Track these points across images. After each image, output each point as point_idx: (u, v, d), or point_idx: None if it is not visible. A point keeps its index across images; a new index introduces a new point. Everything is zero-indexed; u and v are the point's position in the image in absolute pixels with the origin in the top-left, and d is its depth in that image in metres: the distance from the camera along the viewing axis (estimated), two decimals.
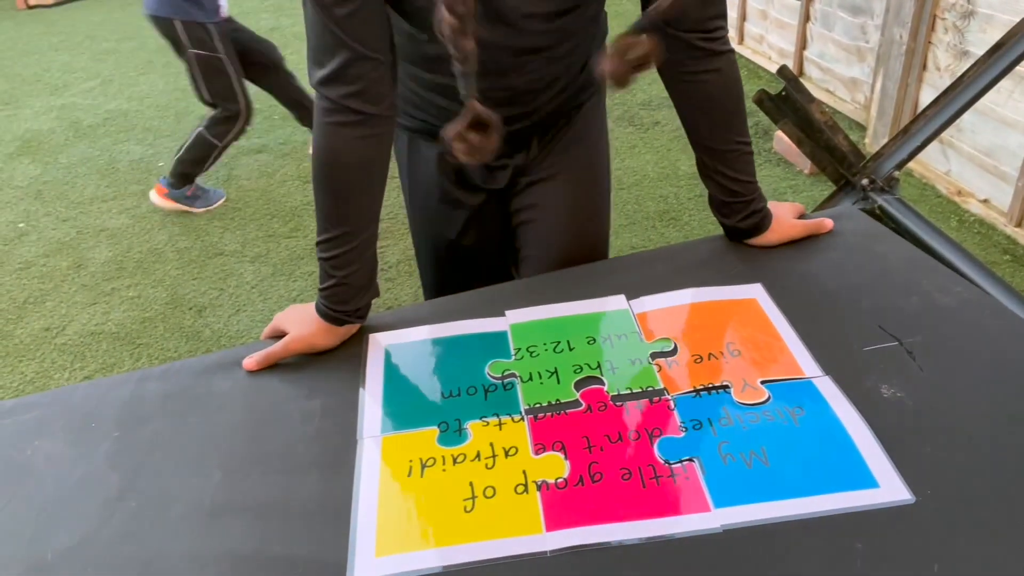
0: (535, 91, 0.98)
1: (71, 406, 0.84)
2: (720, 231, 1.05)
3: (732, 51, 0.95)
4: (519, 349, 0.86)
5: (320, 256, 0.89)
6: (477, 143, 0.76)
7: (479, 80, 0.79)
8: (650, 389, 0.78)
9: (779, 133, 3.00)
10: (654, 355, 0.83)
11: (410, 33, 0.91)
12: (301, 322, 0.91)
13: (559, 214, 1.10)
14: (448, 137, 0.77)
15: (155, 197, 2.94)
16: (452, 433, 0.76)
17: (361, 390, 0.83)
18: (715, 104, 0.96)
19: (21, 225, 2.96)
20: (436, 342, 0.90)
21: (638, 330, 0.87)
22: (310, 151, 0.90)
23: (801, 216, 1.06)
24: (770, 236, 1.01)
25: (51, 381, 2.10)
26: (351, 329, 0.92)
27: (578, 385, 0.80)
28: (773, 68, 3.68)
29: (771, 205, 1.03)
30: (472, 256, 1.17)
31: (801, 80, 3.21)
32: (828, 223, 1.03)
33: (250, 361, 0.87)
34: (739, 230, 1.02)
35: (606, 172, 1.16)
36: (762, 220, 1.00)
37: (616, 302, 0.92)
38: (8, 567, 0.66)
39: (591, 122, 1.10)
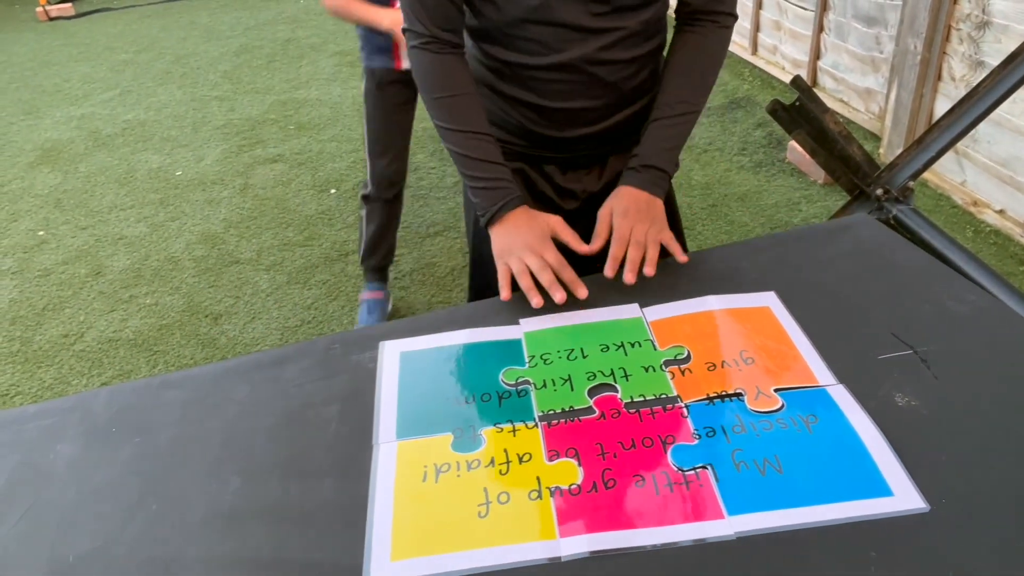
0: (610, 80, 1.03)
1: (93, 411, 0.85)
2: (732, 241, 1.05)
3: (729, 26, 1.05)
4: (533, 357, 0.87)
5: (463, 170, 1.02)
6: None
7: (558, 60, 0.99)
8: (663, 396, 0.79)
9: (792, 143, 2.99)
10: (667, 363, 0.84)
11: (486, 47, 1.04)
12: (520, 231, 0.99)
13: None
14: None
15: None
16: (467, 439, 0.76)
17: (376, 396, 0.83)
18: (688, 55, 1.04)
19: (41, 233, 3.00)
20: (450, 349, 0.90)
21: (652, 338, 0.87)
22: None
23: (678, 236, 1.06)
24: (611, 198, 1.03)
25: (69, 387, 2.13)
26: (527, 209, 1.01)
27: (591, 392, 0.81)
28: (786, 79, 3.67)
29: (637, 194, 1.01)
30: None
31: (815, 90, 3.21)
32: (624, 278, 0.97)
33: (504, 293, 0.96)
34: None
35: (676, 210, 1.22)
36: (622, 175, 1.04)
37: (629, 310, 0.93)
38: (31, 569, 0.67)
39: None
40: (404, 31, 1.02)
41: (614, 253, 0.98)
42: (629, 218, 1.00)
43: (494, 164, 1.01)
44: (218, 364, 0.92)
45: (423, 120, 3.72)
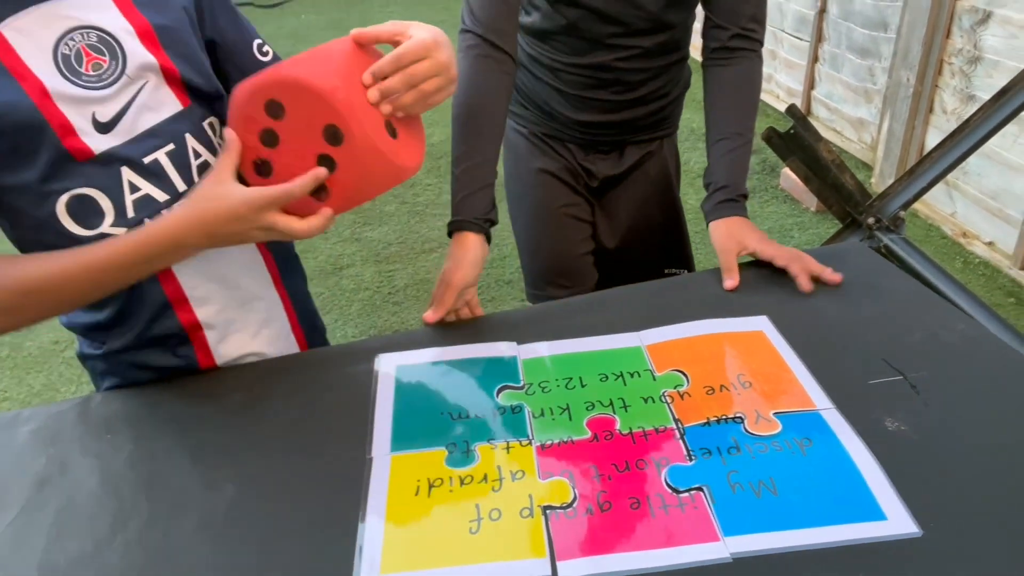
0: (630, 80, 1.19)
1: (87, 417, 0.85)
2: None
3: (760, 55, 1.14)
4: (531, 384, 0.86)
5: (453, 175, 1.03)
6: None
7: (587, 56, 1.16)
8: (662, 428, 0.79)
9: (786, 170, 3.03)
10: (666, 390, 0.84)
11: (523, 36, 1.21)
12: (446, 262, 1.01)
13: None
14: None
15: None
16: (460, 454, 0.77)
17: (372, 409, 0.84)
18: (733, 89, 1.11)
19: None
20: (446, 364, 0.91)
21: (651, 366, 0.88)
22: None
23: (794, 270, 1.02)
24: (713, 232, 1.07)
25: (57, 394, 2.11)
26: (480, 246, 1.00)
27: (589, 421, 0.81)
28: (782, 107, 3.72)
29: (766, 239, 1.05)
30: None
31: (809, 119, 3.24)
32: (806, 286, 0.98)
33: (430, 313, 0.98)
34: (704, 211, 1.10)
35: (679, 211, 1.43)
36: (717, 206, 1.07)
37: (628, 339, 0.93)
38: (22, 572, 0.66)
39: (667, 162, 1.36)
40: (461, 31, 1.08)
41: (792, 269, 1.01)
42: (765, 244, 1.04)
43: (487, 193, 1.03)
44: (214, 372, 0.92)
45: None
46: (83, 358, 0.95)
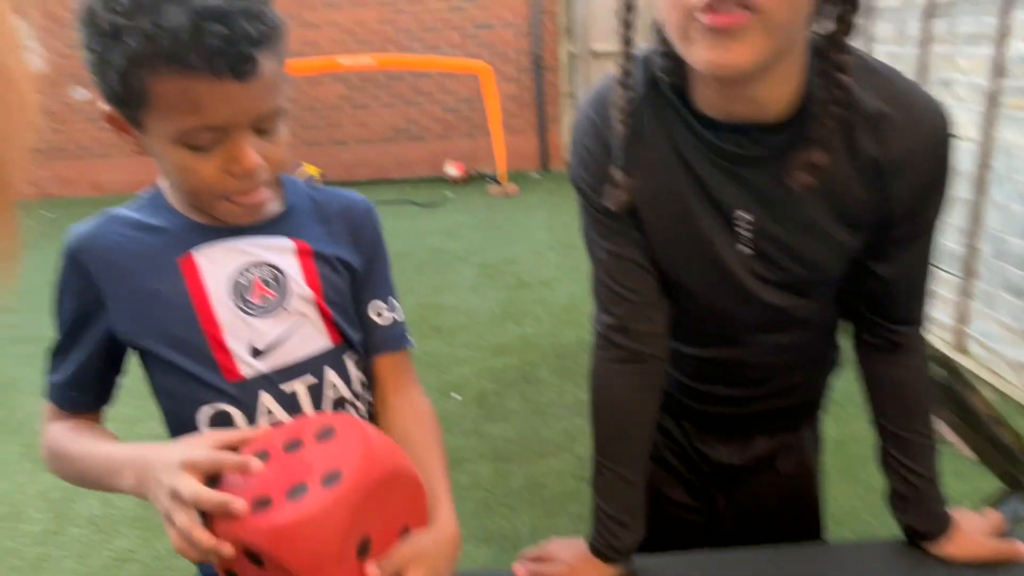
0: (759, 377, 1.04)
1: None
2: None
3: (923, 342, 0.97)
4: None
5: (592, 487, 0.98)
6: None
7: (710, 344, 1.01)
8: None
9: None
10: None
11: None
12: (572, 551, 0.97)
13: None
14: None
15: None
16: None
17: None
18: (901, 389, 0.97)
19: None
20: None
21: None
22: None
23: (1001, 532, 0.96)
24: (950, 548, 0.95)
25: (180, 560, 2.18)
26: (615, 572, 0.95)
27: None
28: (933, 341, 3.55)
29: (963, 515, 0.98)
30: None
31: (965, 356, 3.07)
32: None
33: (519, 567, 0.97)
34: (913, 530, 0.98)
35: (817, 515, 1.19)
36: (936, 524, 0.96)
37: None
38: None
39: (808, 455, 1.16)
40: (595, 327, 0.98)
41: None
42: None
43: (627, 521, 0.95)
44: None
45: (537, 326, 3.80)
46: None
